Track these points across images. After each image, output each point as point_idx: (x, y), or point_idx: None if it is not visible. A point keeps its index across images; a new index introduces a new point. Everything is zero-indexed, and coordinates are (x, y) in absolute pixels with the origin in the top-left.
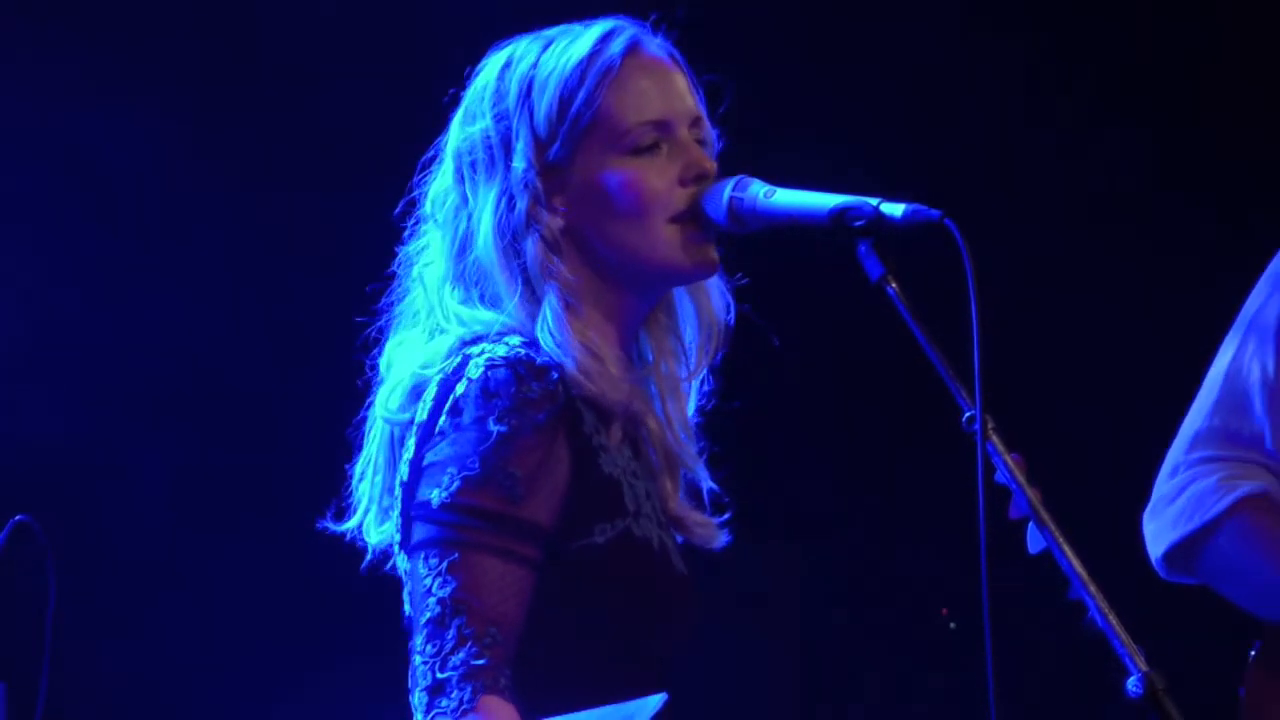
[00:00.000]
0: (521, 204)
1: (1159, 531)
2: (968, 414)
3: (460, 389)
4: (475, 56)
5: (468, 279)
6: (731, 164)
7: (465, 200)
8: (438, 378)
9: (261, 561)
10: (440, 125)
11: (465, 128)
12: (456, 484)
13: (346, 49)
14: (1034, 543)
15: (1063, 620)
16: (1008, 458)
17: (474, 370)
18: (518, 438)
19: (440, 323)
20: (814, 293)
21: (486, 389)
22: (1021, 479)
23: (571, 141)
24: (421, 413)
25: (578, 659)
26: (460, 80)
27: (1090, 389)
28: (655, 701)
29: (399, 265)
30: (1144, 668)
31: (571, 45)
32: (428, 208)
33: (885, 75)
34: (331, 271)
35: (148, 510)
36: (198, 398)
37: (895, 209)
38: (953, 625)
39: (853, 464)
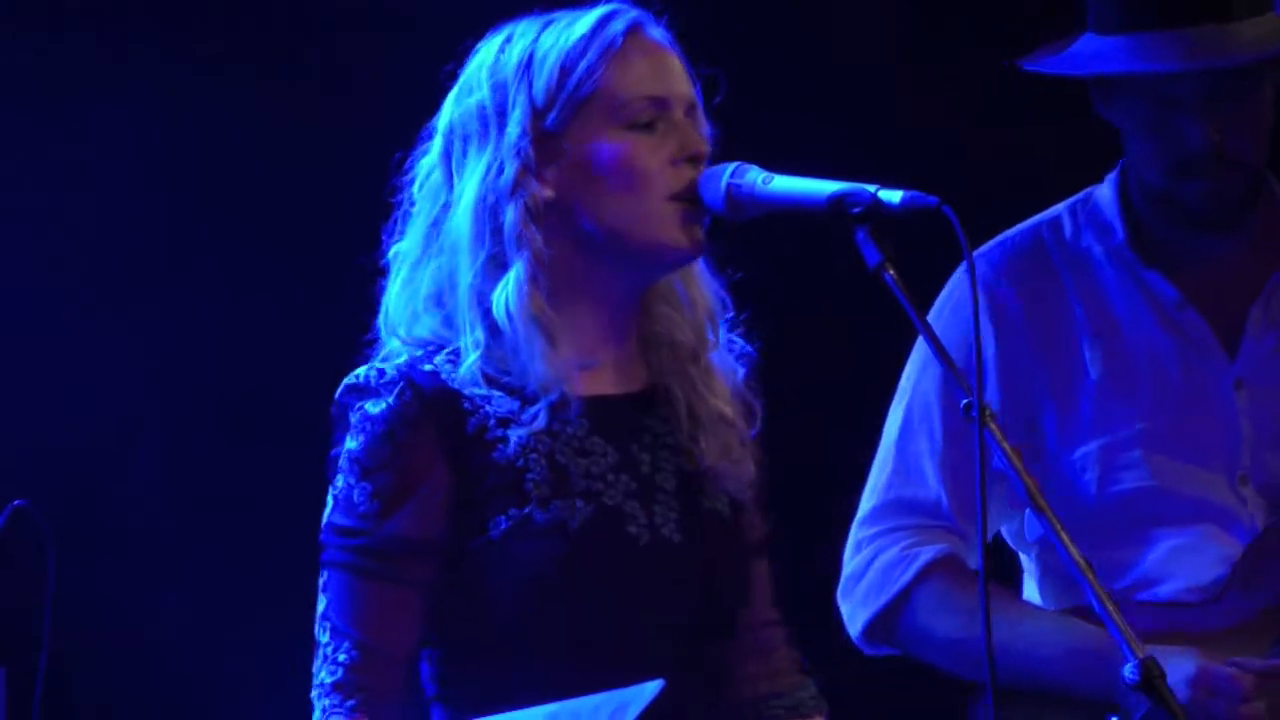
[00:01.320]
0: (510, 170)
1: (853, 611)
2: (965, 401)
3: (332, 411)
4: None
5: (429, 262)
6: (728, 151)
7: (449, 176)
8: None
9: (262, 547)
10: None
11: (460, 101)
12: (330, 503)
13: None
14: (1031, 529)
15: None
16: (1006, 445)
17: (339, 391)
18: (369, 454)
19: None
20: (811, 278)
21: (342, 408)
22: (1019, 466)
23: (569, 110)
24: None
25: (508, 651)
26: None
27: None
28: (651, 689)
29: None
30: (1141, 654)
31: (574, 23)
32: (414, 186)
33: (881, 61)
34: (341, 265)
35: (148, 494)
36: (201, 384)
37: (893, 195)
38: None
39: (848, 444)
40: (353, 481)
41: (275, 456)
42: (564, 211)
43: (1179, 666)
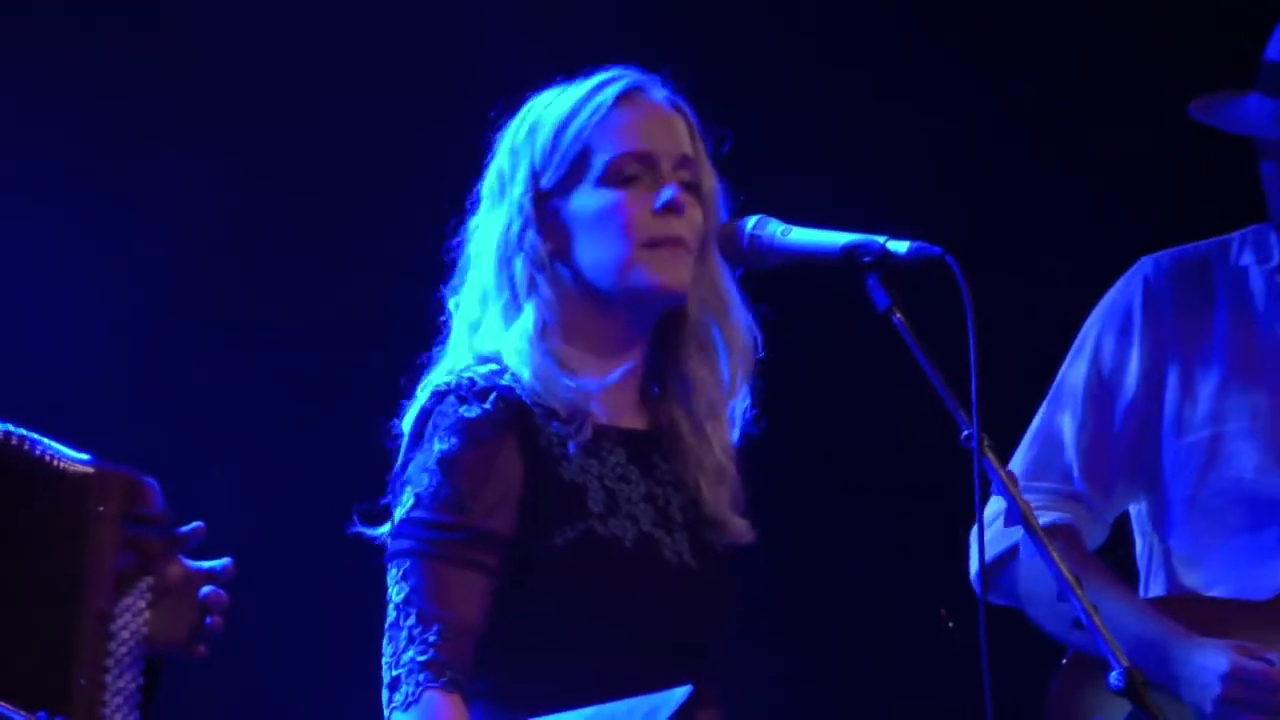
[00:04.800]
0: (516, 227)
1: (974, 554)
2: (965, 432)
3: (414, 413)
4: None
5: (474, 297)
6: (750, 199)
7: (480, 227)
8: (413, 403)
9: (325, 558)
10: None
11: (489, 166)
12: (410, 500)
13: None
14: (1025, 548)
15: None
16: (1002, 472)
17: (423, 396)
18: (461, 455)
19: (448, 350)
20: (828, 322)
21: (431, 413)
22: (1014, 491)
23: (562, 170)
24: (403, 435)
25: (556, 650)
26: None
27: None
28: (680, 694)
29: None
30: (1125, 663)
31: (574, 90)
32: (468, 241)
33: (896, 115)
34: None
35: (221, 514)
36: (264, 401)
37: (900, 246)
38: (950, 624)
39: (864, 477)
40: (442, 479)
41: (339, 467)
42: (564, 261)
43: (1215, 660)
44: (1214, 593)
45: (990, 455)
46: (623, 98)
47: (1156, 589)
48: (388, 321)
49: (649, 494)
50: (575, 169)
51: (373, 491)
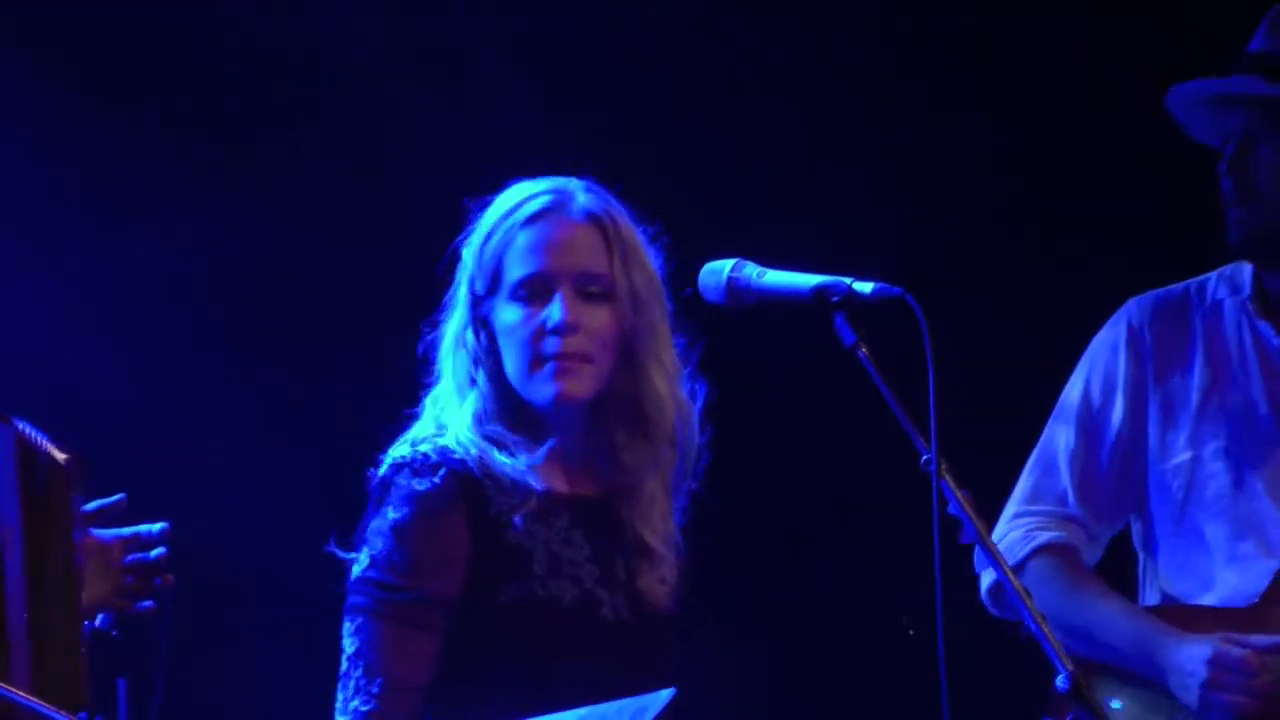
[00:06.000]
0: (460, 323)
1: (982, 575)
2: (925, 457)
3: (375, 481)
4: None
5: (439, 374)
6: (727, 244)
7: (446, 314)
8: (379, 469)
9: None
10: None
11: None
12: (366, 560)
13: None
14: (980, 563)
15: (1002, 626)
16: (959, 493)
17: (384, 467)
18: (412, 524)
19: (420, 418)
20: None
21: (389, 482)
22: (970, 511)
23: (485, 281)
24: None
25: (499, 699)
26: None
27: (1031, 438)
28: (665, 695)
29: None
30: (1070, 667)
31: (501, 201)
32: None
33: (863, 163)
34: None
35: (253, 534)
36: (310, 412)
37: (865, 286)
38: (911, 632)
39: (830, 498)
40: (394, 545)
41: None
42: (498, 357)
43: (1199, 650)
44: (1199, 602)
45: (948, 478)
46: (534, 217)
47: (1150, 600)
48: (399, 355)
49: (595, 555)
50: (494, 281)
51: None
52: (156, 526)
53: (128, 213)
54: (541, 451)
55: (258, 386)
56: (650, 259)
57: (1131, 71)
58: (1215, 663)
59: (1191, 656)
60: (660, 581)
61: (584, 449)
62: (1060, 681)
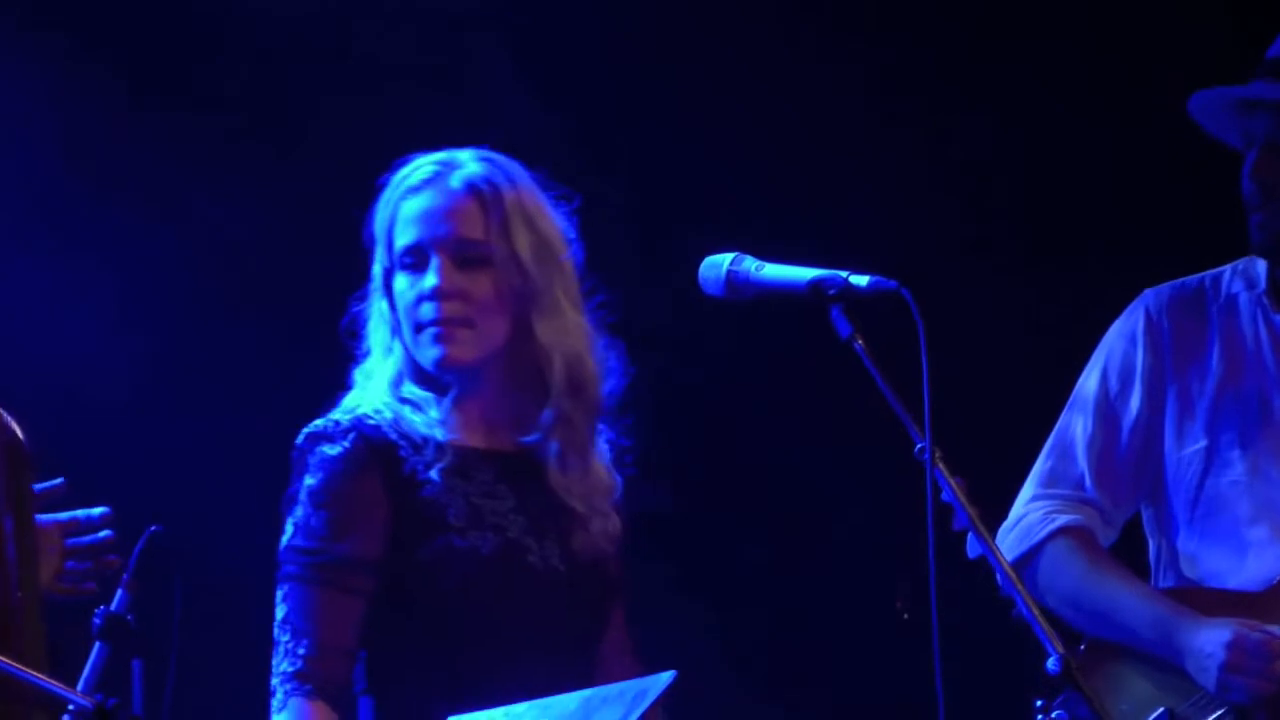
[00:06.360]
0: (375, 293)
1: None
2: (919, 445)
3: (294, 453)
4: None
5: (369, 351)
6: (726, 238)
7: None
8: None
9: None
10: None
11: None
12: (290, 529)
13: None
14: (973, 549)
15: (995, 610)
16: (952, 481)
17: (299, 438)
18: (325, 488)
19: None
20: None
21: (304, 452)
22: (963, 498)
23: (384, 254)
24: None
25: (436, 655)
26: None
27: (1023, 427)
28: (665, 678)
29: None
30: (1060, 650)
31: (394, 177)
32: None
33: (859, 159)
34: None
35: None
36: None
37: (861, 280)
38: (905, 616)
39: (826, 486)
40: (311, 510)
41: None
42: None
43: (1218, 633)
44: (1214, 586)
45: (941, 466)
46: (415, 188)
47: (1166, 584)
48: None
49: (521, 506)
50: (388, 252)
51: None
52: (97, 511)
53: (124, 205)
54: (447, 404)
55: (265, 376)
56: (545, 222)
57: (1131, 72)
58: (1234, 646)
59: (1210, 639)
60: (589, 533)
61: (492, 408)
62: (1051, 664)
